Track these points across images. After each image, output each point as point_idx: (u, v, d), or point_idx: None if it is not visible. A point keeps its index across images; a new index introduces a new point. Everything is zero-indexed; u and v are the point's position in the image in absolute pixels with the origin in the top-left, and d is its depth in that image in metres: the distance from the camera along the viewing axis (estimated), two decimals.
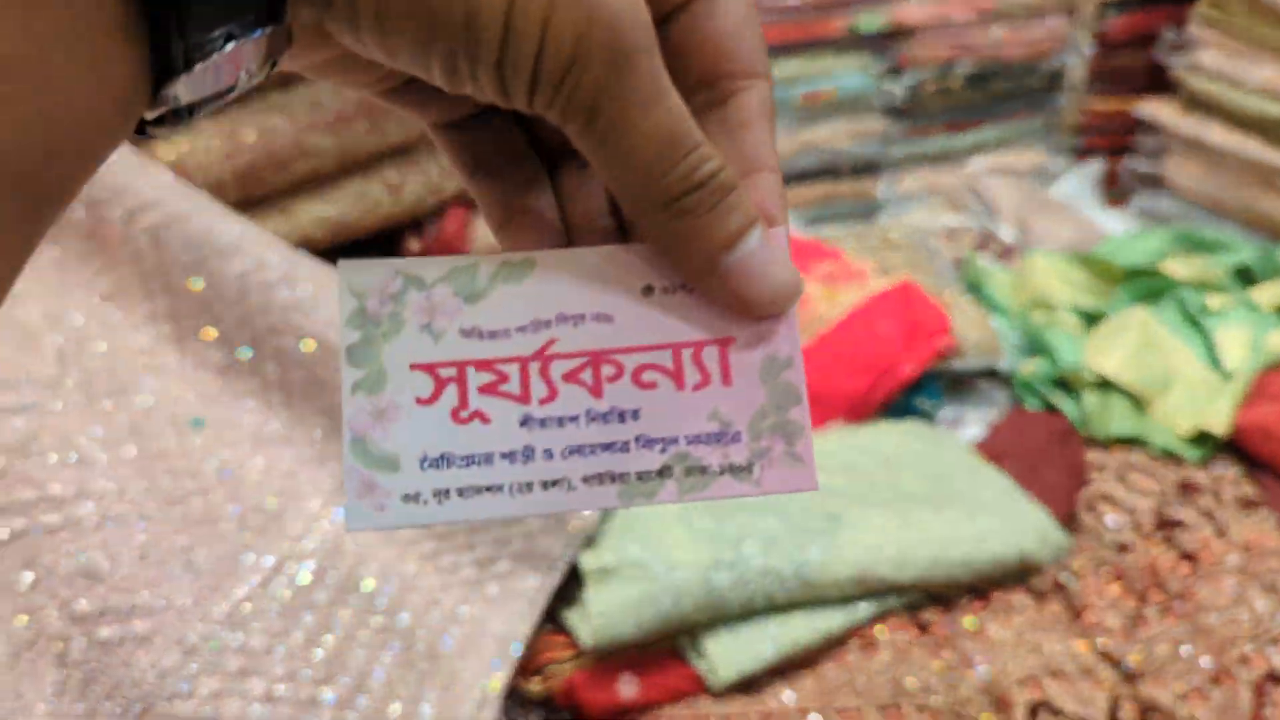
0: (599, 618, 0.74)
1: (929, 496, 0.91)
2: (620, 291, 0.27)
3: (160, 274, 0.69)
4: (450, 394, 0.26)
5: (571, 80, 0.23)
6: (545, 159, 0.30)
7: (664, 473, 0.26)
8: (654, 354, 0.26)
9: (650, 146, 0.24)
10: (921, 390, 1.14)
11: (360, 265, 0.26)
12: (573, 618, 0.77)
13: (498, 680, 0.69)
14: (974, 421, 1.15)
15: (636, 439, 0.26)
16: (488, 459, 0.25)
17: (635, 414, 0.26)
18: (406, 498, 0.25)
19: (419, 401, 0.26)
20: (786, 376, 0.27)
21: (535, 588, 0.73)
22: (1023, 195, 1.57)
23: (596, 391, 0.26)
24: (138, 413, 0.65)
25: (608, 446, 0.26)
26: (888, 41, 1.57)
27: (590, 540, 0.77)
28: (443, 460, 0.25)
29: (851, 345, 1.10)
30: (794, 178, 1.59)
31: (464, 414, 0.26)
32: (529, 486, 0.26)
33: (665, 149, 0.24)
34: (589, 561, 0.76)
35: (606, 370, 0.26)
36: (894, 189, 1.65)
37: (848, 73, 1.56)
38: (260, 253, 0.72)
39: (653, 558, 0.76)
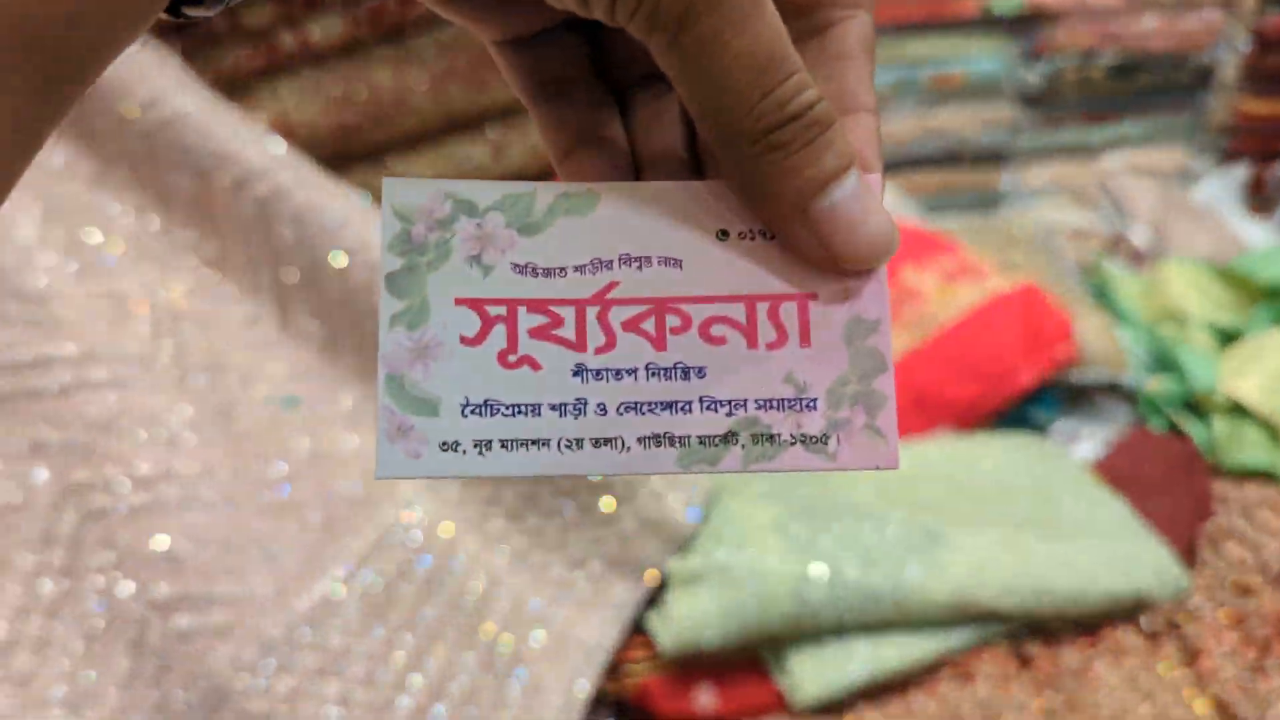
0: (682, 623, 0.71)
1: (1039, 520, 0.86)
2: (692, 234, 0.25)
3: (266, 247, 0.67)
4: (498, 335, 0.24)
5: None
6: (616, 86, 0.28)
7: (729, 438, 0.24)
8: (725, 306, 0.24)
9: (743, 67, 0.22)
10: (1037, 401, 1.08)
11: (407, 184, 0.24)
12: (654, 620, 0.74)
13: (583, 690, 0.66)
14: (1091, 438, 1.08)
15: (700, 399, 0.24)
16: (535, 409, 0.24)
17: (700, 371, 0.24)
18: (444, 446, 0.23)
19: (463, 340, 0.24)
20: (873, 341, 0.24)
21: (627, 595, 0.70)
22: (1160, 197, 1.48)
23: (659, 343, 0.24)
24: (230, 390, 0.63)
25: (668, 405, 0.24)
26: (1026, 25, 1.48)
27: (685, 544, 0.73)
28: (486, 407, 0.24)
29: (966, 348, 1.04)
30: (913, 163, 1.52)
31: (512, 358, 0.24)
32: (579, 443, 0.24)
33: (760, 71, 0.22)
34: (676, 565, 0.73)
35: (671, 320, 0.24)
36: (1019, 181, 1.57)
37: (981, 56, 1.48)
38: (367, 236, 0.70)
39: (742, 565, 0.72)
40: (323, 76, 0.91)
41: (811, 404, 0.24)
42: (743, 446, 0.24)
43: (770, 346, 0.24)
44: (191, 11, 0.20)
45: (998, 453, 0.94)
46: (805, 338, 0.24)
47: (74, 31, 0.17)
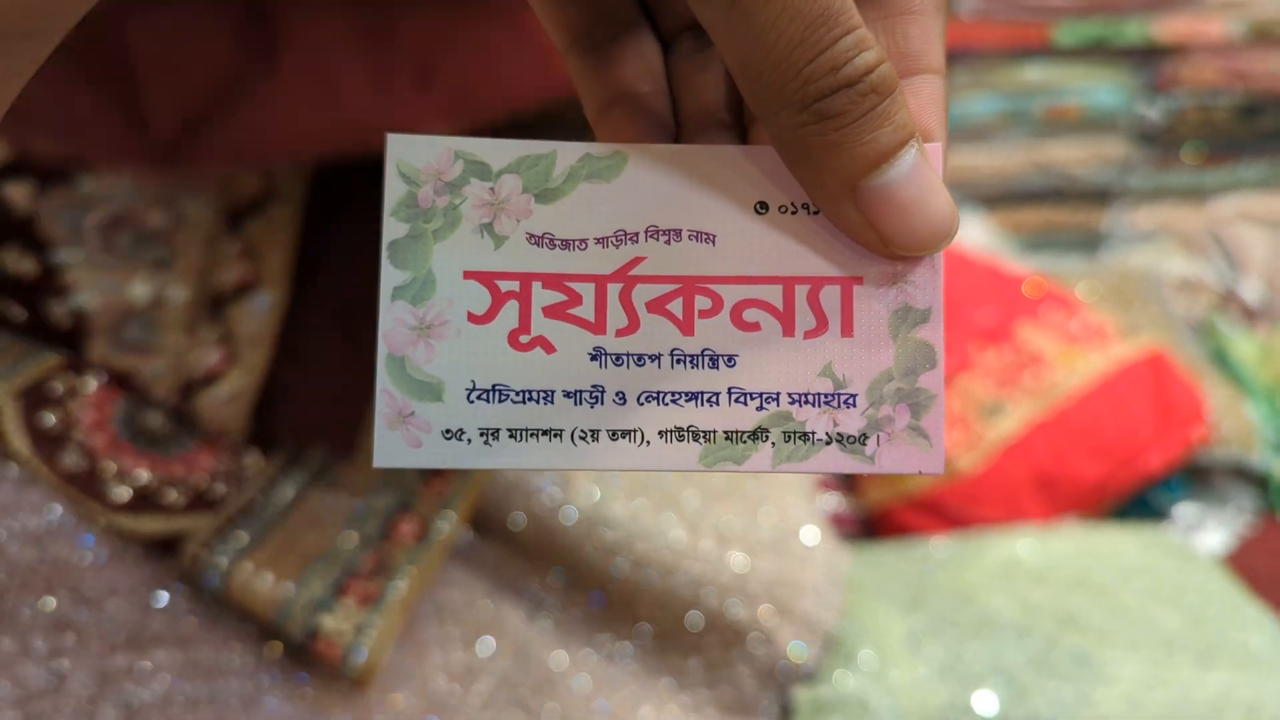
0: None
1: (1189, 641, 0.76)
2: (728, 206, 0.23)
3: None
4: (510, 312, 0.23)
5: None
6: (660, 35, 0.26)
7: (758, 435, 0.23)
8: (761, 288, 0.23)
9: (793, 21, 0.19)
10: (1160, 483, 0.98)
11: (414, 141, 0.22)
12: None
13: None
14: (1217, 527, 0.98)
15: (729, 390, 0.23)
16: (548, 396, 0.22)
17: (731, 360, 0.23)
18: (448, 434, 0.22)
19: (471, 318, 0.23)
20: (922, 333, 0.23)
21: None
22: (1275, 249, 1.37)
23: (686, 327, 0.23)
24: None
25: (693, 396, 0.23)
26: (1149, 57, 1.37)
27: (809, 676, 0.64)
28: (495, 393, 0.22)
29: (1092, 424, 0.94)
30: (1016, 198, 1.42)
31: (524, 339, 0.23)
32: (594, 435, 0.22)
33: (812, 27, 0.20)
34: (802, 693, 0.63)
35: (701, 302, 0.23)
36: (1124, 223, 1.46)
37: (1100, 87, 1.37)
38: None
39: (876, 694, 0.62)
40: None
41: (850, 400, 0.23)
42: (773, 444, 0.23)
43: (808, 334, 0.23)
44: None
45: (1134, 550, 0.85)
46: (848, 326, 0.23)
47: None
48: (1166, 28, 1.35)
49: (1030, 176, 1.41)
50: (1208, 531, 0.98)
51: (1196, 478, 1.02)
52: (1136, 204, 1.46)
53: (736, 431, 0.23)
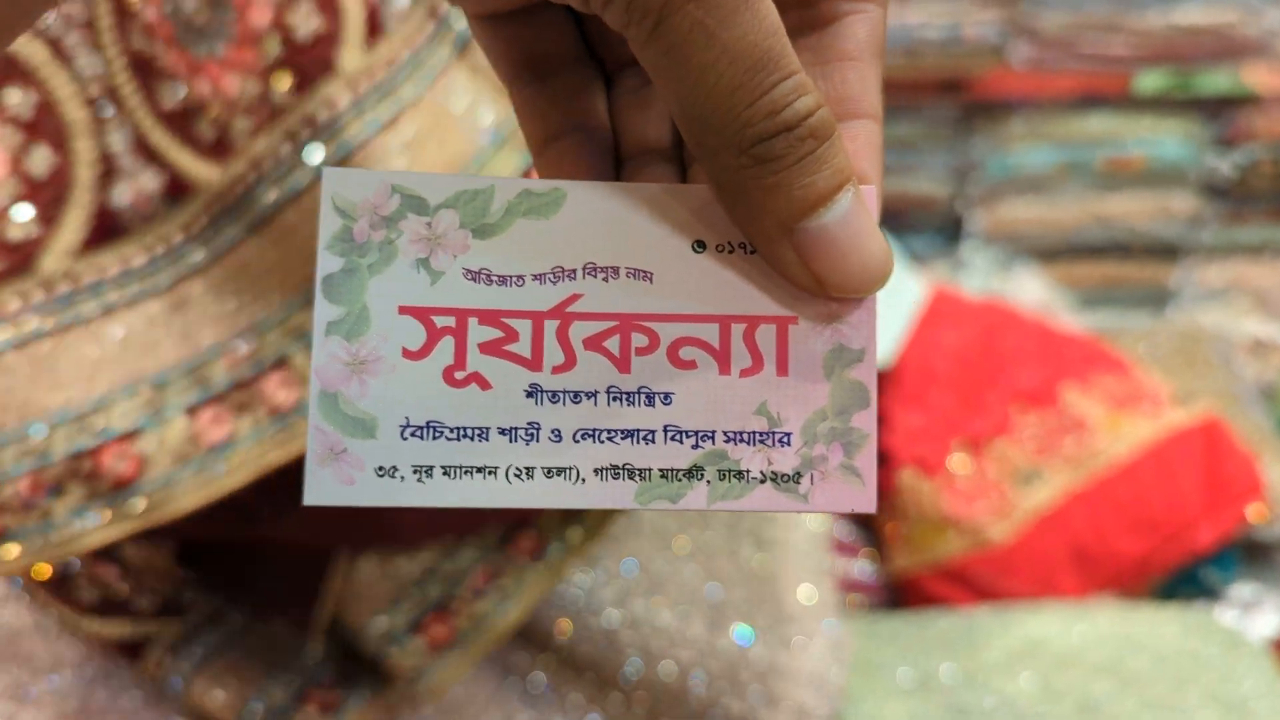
0: None
1: None
2: (666, 243, 0.23)
3: None
4: (445, 349, 0.23)
5: None
6: (604, 70, 0.26)
7: (693, 473, 0.23)
8: (697, 326, 0.23)
9: (731, 65, 0.20)
10: (1211, 559, 0.92)
11: (350, 175, 0.23)
12: None
13: None
14: (1276, 609, 0.92)
15: (665, 428, 0.23)
16: (483, 433, 0.23)
17: (666, 397, 0.23)
18: (381, 471, 0.22)
19: (406, 354, 0.23)
20: (856, 373, 0.23)
21: None
22: None
23: (623, 365, 0.23)
24: None
25: (629, 434, 0.23)
26: (1221, 108, 1.32)
27: None
28: (429, 429, 0.22)
29: (1137, 496, 0.89)
30: (1075, 252, 1.38)
31: (459, 375, 0.23)
32: (529, 472, 0.23)
33: (751, 71, 0.20)
34: None
35: (638, 340, 0.23)
36: (1193, 280, 1.40)
37: (1166, 139, 1.32)
38: None
39: None
40: None
41: (785, 439, 0.23)
42: (708, 483, 0.23)
43: (744, 373, 0.23)
44: None
45: (1173, 634, 0.80)
46: (782, 365, 0.23)
47: None
48: (1239, 79, 1.30)
49: (1090, 230, 1.36)
50: (1265, 614, 0.92)
51: (1254, 555, 0.96)
52: (1207, 260, 1.41)
53: (672, 469, 0.23)
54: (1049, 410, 0.95)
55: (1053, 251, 1.36)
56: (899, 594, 0.92)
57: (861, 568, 0.92)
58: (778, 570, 0.65)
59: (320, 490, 0.22)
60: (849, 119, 0.24)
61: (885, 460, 0.92)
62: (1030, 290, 1.24)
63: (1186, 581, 0.91)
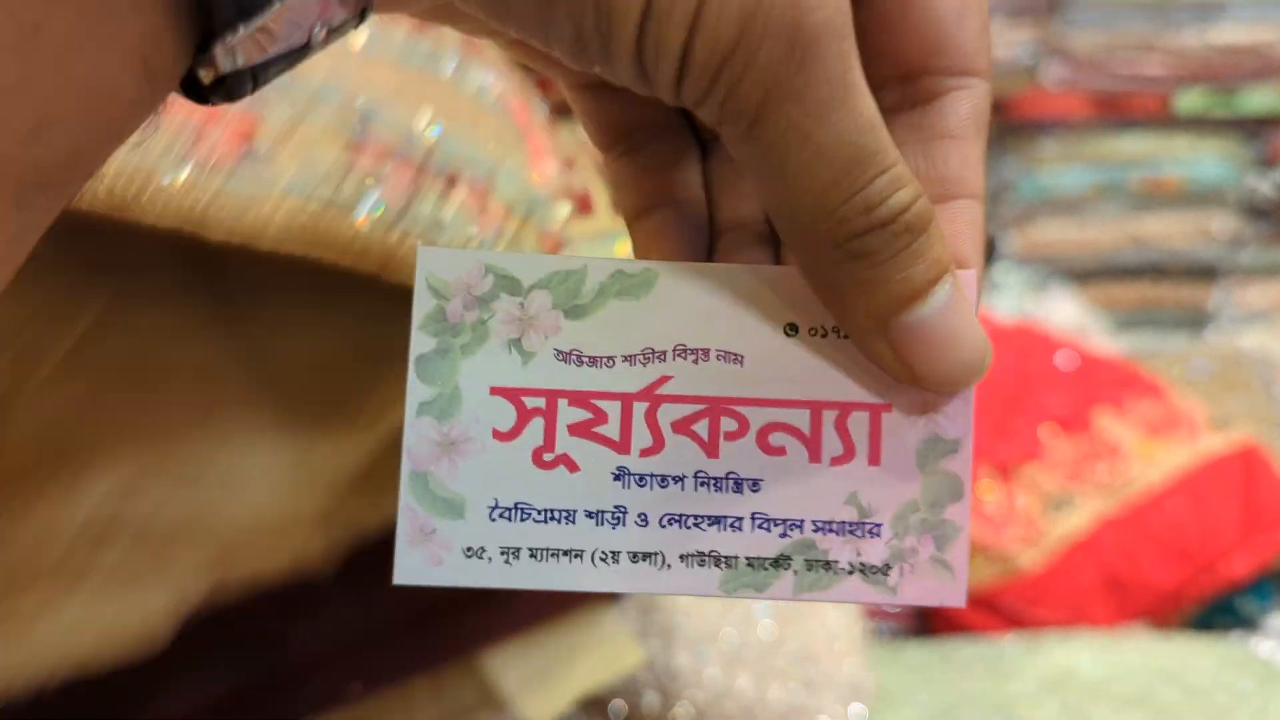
0: None
1: None
2: (758, 326, 0.23)
3: None
4: (535, 429, 0.22)
5: (732, 72, 0.19)
6: (700, 140, 0.26)
7: (780, 563, 0.22)
8: (788, 411, 0.23)
9: (827, 165, 0.19)
10: (1247, 589, 0.91)
11: (444, 255, 0.23)
12: None
13: None
14: None
15: (753, 516, 0.22)
16: (570, 516, 0.22)
17: (755, 484, 0.23)
18: (469, 552, 0.22)
19: (496, 435, 0.22)
20: (950, 465, 0.23)
21: None
22: None
23: (711, 449, 0.23)
24: None
25: (716, 520, 0.22)
26: (1261, 128, 1.30)
27: None
28: (517, 511, 0.22)
29: (1170, 523, 0.88)
30: (1111, 274, 1.36)
31: (548, 456, 0.22)
32: (615, 556, 0.22)
33: (846, 170, 0.19)
34: None
35: (727, 424, 0.23)
36: (1233, 302, 1.38)
37: (1204, 159, 1.30)
38: None
39: None
40: None
41: (875, 530, 0.23)
42: (795, 572, 0.23)
43: (835, 461, 0.23)
44: (215, 99, 0.18)
45: (1208, 665, 0.78)
46: (875, 455, 0.23)
47: (42, 145, 0.16)
48: (1276, 99, 1.28)
49: (1126, 251, 1.35)
50: None
51: None
52: (1246, 281, 1.39)
53: (759, 558, 0.23)
54: (1081, 435, 0.94)
55: (1087, 273, 1.35)
56: (926, 621, 0.91)
57: None
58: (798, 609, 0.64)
59: (410, 570, 0.22)
60: (949, 200, 0.23)
61: None
62: (1064, 312, 1.23)
63: (1222, 611, 0.90)
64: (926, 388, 0.22)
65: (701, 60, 0.18)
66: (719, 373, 0.23)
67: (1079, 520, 0.88)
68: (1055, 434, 0.93)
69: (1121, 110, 1.31)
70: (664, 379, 0.23)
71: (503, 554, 0.22)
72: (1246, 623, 0.90)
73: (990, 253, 1.37)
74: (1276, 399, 1.12)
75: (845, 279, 0.21)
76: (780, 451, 0.23)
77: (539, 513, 0.22)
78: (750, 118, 0.19)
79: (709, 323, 0.23)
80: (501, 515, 0.22)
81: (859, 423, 0.23)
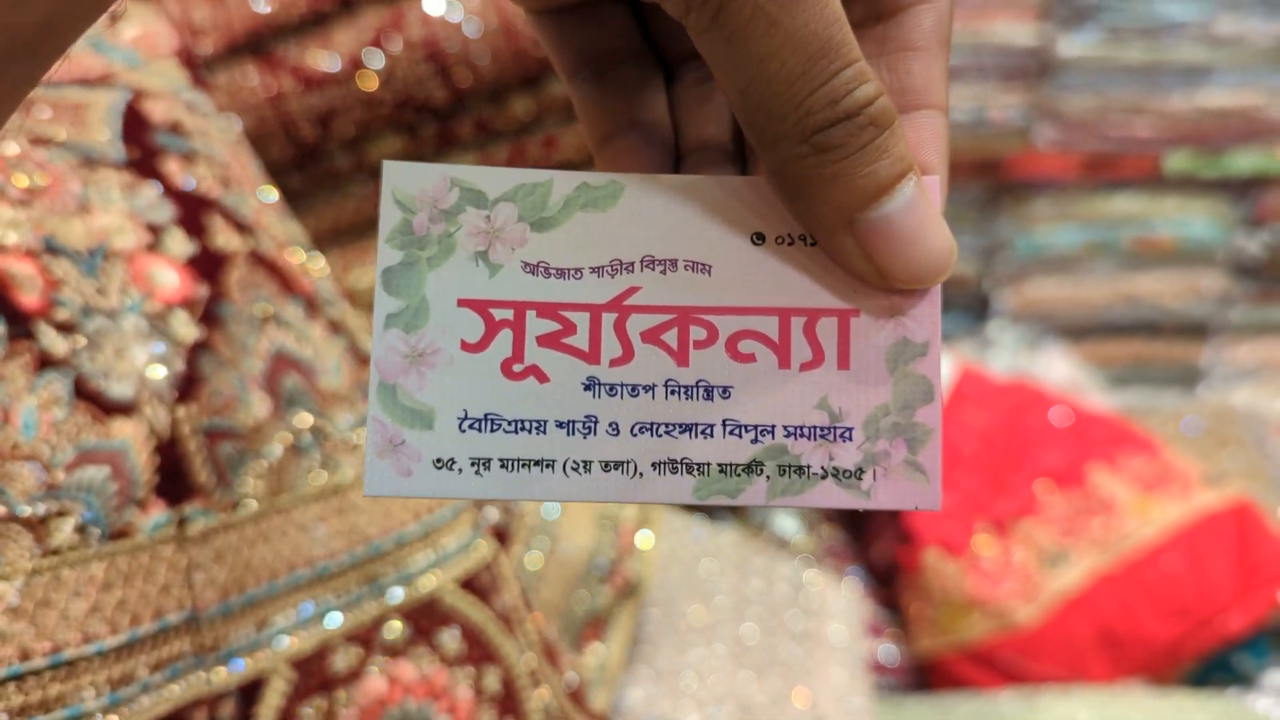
0: None
1: None
2: (724, 236, 0.23)
3: None
4: (503, 341, 0.23)
5: None
6: (664, 64, 0.26)
7: (753, 468, 0.23)
8: (757, 319, 0.23)
9: (794, 53, 0.19)
10: (1243, 645, 0.90)
11: (409, 169, 0.23)
12: None
13: None
14: None
15: (724, 423, 0.23)
16: (540, 426, 0.22)
17: (725, 391, 0.23)
18: (438, 463, 0.22)
19: (465, 346, 0.22)
20: (920, 367, 0.23)
21: None
22: None
23: (681, 358, 0.23)
24: None
25: (687, 428, 0.22)
26: (1248, 188, 1.32)
27: None
28: (487, 421, 0.22)
29: (1166, 579, 0.88)
30: (1104, 331, 1.37)
31: (517, 367, 0.23)
32: (586, 466, 0.22)
33: (813, 59, 0.20)
34: None
35: (696, 333, 0.23)
36: (1224, 359, 1.39)
37: (1193, 219, 1.32)
38: None
39: None
40: None
41: (846, 434, 0.23)
42: (768, 478, 0.22)
43: (804, 367, 0.23)
44: None
45: None
46: (844, 359, 0.23)
47: (19, 9, 0.16)
48: (1274, 156, 1.30)
49: (1118, 309, 1.36)
50: None
51: None
52: (1237, 339, 1.40)
53: (731, 464, 0.22)
54: (1076, 491, 0.95)
55: (1081, 330, 1.36)
56: (924, 677, 0.91)
57: (886, 650, 0.91)
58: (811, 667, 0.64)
59: (379, 481, 0.22)
60: (913, 110, 0.23)
61: (909, 540, 0.92)
62: (1058, 369, 1.24)
63: (1219, 668, 0.90)
64: (893, 286, 0.22)
65: None
66: (687, 282, 0.23)
67: (1075, 576, 0.88)
68: (1051, 490, 0.94)
69: (1112, 171, 1.33)
70: (632, 289, 0.23)
71: (473, 465, 0.22)
72: (1243, 679, 0.90)
73: (985, 310, 1.39)
74: (1268, 455, 1.12)
75: (812, 174, 0.21)
76: (750, 358, 0.23)
77: (509, 423, 0.22)
78: (717, 4, 0.19)
79: (676, 233, 0.23)
80: (471, 426, 0.22)
81: (827, 328, 0.23)
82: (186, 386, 0.38)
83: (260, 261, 0.43)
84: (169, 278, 0.39)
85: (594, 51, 0.25)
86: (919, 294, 0.22)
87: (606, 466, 0.22)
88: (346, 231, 0.72)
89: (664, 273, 0.23)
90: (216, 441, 0.38)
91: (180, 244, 0.40)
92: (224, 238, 0.42)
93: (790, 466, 0.23)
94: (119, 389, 0.36)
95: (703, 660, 0.60)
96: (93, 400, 0.35)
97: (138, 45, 0.48)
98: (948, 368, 1.06)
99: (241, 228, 0.43)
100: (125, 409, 0.36)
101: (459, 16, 0.67)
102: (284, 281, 0.44)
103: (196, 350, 0.39)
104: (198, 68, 0.50)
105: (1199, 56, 1.27)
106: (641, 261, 0.23)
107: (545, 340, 0.23)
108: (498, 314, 0.23)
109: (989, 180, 1.33)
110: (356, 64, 0.67)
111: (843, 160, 0.20)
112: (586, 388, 0.23)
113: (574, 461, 0.22)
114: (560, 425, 0.22)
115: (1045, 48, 1.27)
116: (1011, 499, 0.93)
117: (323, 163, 0.70)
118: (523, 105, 0.72)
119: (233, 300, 0.41)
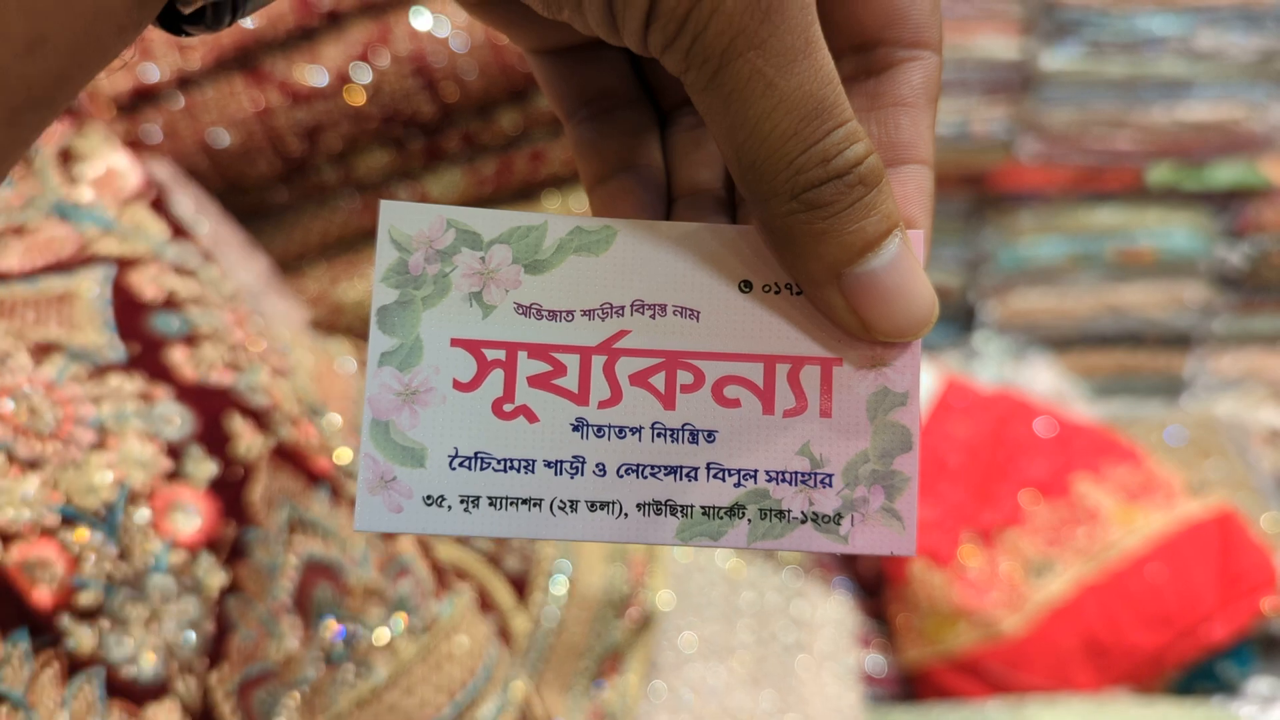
0: None
1: None
2: (713, 283, 0.23)
3: None
4: (495, 381, 0.23)
5: (699, 18, 0.19)
6: (659, 109, 0.26)
7: (735, 511, 0.23)
8: (743, 365, 0.23)
9: (788, 114, 0.20)
10: (1228, 653, 0.91)
11: (407, 209, 0.23)
12: None
13: None
14: None
15: (708, 466, 0.23)
16: (529, 465, 0.23)
17: (710, 435, 0.23)
18: (429, 500, 0.22)
19: (457, 385, 0.23)
20: (899, 416, 0.23)
21: None
22: None
23: (668, 401, 0.23)
24: None
25: (672, 470, 0.23)
26: (1230, 200, 1.34)
27: None
28: (476, 460, 0.23)
29: (1150, 588, 0.89)
30: (1088, 342, 1.38)
31: (508, 407, 0.23)
32: (573, 505, 0.23)
33: (805, 119, 0.20)
34: None
35: (683, 377, 0.23)
36: (1207, 369, 1.40)
37: (1176, 230, 1.33)
38: None
39: None
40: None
41: (827, 480, 0.23)
42: (749, 521, 0.23)
43: (788, 413, 0.23)
44: (193, 30, 0.19)
45: None
46: (826, 406, 0.23)
47: (35, 61, 0.17)
48: (1255, 169, 1.32)
49: (1102, 320, 1.37)
50: None
51: (1271, 649, 0.95)
52: (1220, 350, 1.41)
53: (714, 507, 0.23)
54: (1061, 501, 0.95)
55: (1065, 341, 1.37)
56: (911, 687, 0.92)
57: (873, 660, 0.91)
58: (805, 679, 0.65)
59: (370, 517, 0.22)
60: (900, 164, 0.24)
61: None
62: (1043, 380, 1.25)
63: (1203, 676, 0.90)
64: (876, 339, 0.23)
65: (669, 6, 0.19)
66: (676, 327, 0.23)
67: (1060, 585, 0.89)
68: (1036, 500, 0.94)
69: (1095, 183, 1.34)
70: (622, 333, 0.23)
71: (462, 502, 0.22)
72: (1227, 687, 0.91)
73: (970, 321, 1.40)
74: (1251, 465, 1.13)
75: (801, 229, 0.21)
76: (735, 404, 0.23)
77: (498, 462, 0.23)
78: (715, 64, 0.20)
79: (666, 279, 0.23)
80: (461, 464, 0.23)
81: (811, 376, 0.23)
82: (216, 647, 0.36)
83: (282, 457, 0.41)
84: (192, 521, 0.37)
85: (591, 93, 0.26)
86: (901, 346, 0.23)
87: (593, 506, 0.23)
88: (334, 245, 0.73)
89: (653, 317, 0.23)
90: (250, 692, 0.37)
91: (201, 465, 0.38)
92: (245, 443, 0.40)
93: (771, 510, 0.23)
94: (150, 671, 0.35)
95: (696, 674, 0.60)
96: (125, 694, 0.34)
97: (102, 192, 0.45)
98: (932, 378, 1.06)
99: (259, 418, 0.41)
100: (157, 691, 0.35)
101: (446, 31, 0.68)
102: (307, 473, 0.42)
103: (224, 597, 0.37)
104: (168, 210, 0.47)
105: (1180, 71, 1.29)
106: (632, 306, 0.23)
107: (536, 381, 0.23)
108: (490, 354, 0.23)
109: (973, 193, 1.35)
110: (344, 79, 0.67)
111: (832, 217, 0.21)
112: (575, 428, 0.23)
113: (561, 501, 0.23)
114: (548, 465, 0.23)
115: (1028, 62, 1.28)
116: (997, 509, 0.94)
117: (310, 177, 0.71)
118: (510, 119, 0.73)
119: (258, 524, 0.39)
